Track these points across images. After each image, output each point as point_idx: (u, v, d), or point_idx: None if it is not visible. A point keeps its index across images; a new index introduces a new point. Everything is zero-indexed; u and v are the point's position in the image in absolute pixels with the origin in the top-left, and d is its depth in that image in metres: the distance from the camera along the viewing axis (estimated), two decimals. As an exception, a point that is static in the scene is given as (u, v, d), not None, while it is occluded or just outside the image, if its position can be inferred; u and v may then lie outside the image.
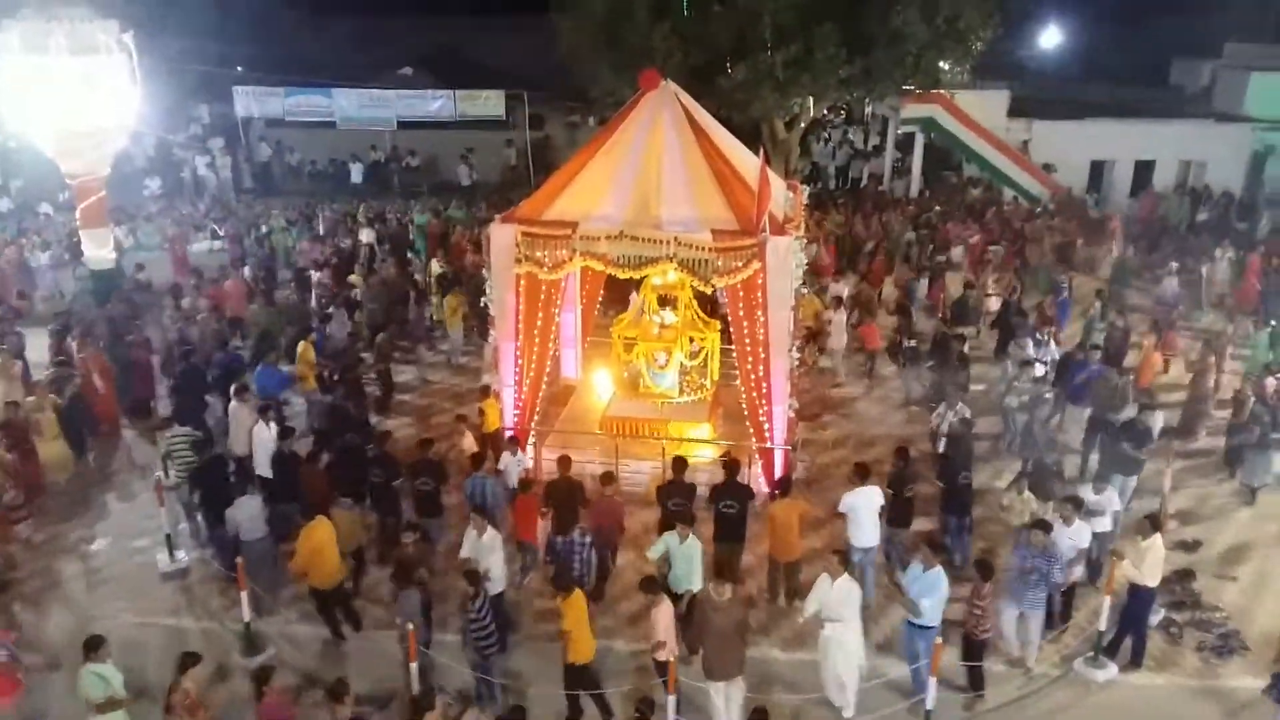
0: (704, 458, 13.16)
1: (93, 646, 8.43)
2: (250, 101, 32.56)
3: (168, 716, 8.15)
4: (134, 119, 19.92)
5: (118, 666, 8.63)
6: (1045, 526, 9.84)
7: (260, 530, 11.01)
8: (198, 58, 31.44)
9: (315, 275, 20.15)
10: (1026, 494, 11.20)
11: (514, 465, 12.14)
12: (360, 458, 12.20)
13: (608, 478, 11.49)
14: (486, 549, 10.07)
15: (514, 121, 33.27)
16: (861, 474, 11.07)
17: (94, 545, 12.48)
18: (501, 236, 12.51)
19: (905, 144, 31.11)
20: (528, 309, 12.82)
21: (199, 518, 12.25)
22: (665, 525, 10.82)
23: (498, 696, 9.51)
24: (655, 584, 9.32)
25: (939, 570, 9.20)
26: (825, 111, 28.43)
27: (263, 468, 12.26)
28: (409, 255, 22.72)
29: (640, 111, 13.17)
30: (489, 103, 32.50)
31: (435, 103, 32.48)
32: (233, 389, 13.50)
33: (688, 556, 10.16)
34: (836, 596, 9.14)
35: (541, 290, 12.76)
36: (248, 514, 10.92)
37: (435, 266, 20.69)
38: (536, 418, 13.59)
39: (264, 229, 24.81)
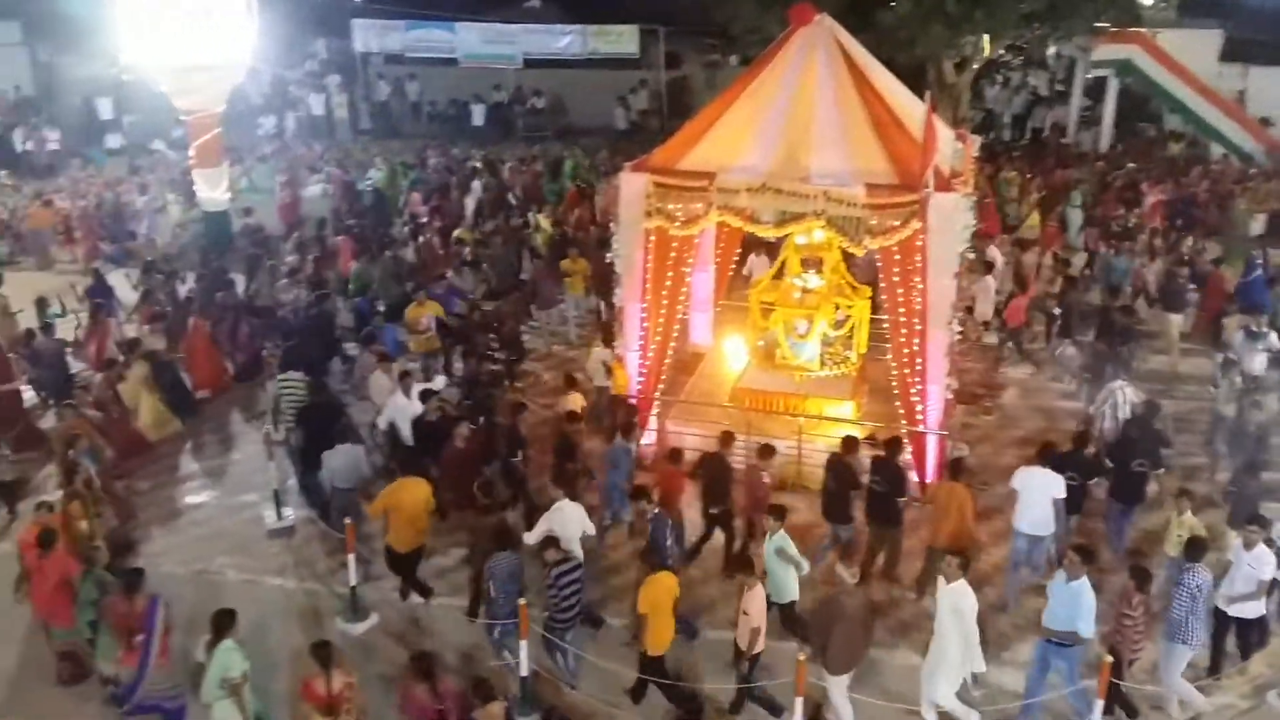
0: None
1: (224, 624, 8.63)
2: (369, 36, 33.39)
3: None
4: (250, 53, 20.77)
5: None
6: (1200, 545, 9.29)
7: (353, 481, 11.58)
8: (315, -13, 32.55)
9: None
10: (1187, 516, 10.28)
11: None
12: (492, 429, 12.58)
13: (766, 450, 11.37)
14: (567, 518, 10.25)
15: (648, 60, 33.19)
16: (1043, 454, 10.82)
17: (200, 499, 13.25)
18: (632, 187, 12.56)
19: (1095, 90, 29.77)
20: (656, 267, 12.88)
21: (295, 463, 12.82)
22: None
23: (572, 669, 9.88)
24: (752, 564, 9.37)
25: (1084, 582, 8.82)
26: (1001, 51, 27.42)
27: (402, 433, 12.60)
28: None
29: (790, 50, 13.00)
30: (622, 39, 32.51)
31: (564, 39, 32.64)
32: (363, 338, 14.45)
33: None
34: (945, 603, 8.96)
35: (672, 247, 12.80)
36: (344, 462, 11.44)
37: (544, 223, 20.84)
38: (662, 386, 13.70)
39: (370, 176, 25.46)
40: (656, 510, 10.35)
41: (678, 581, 9.43)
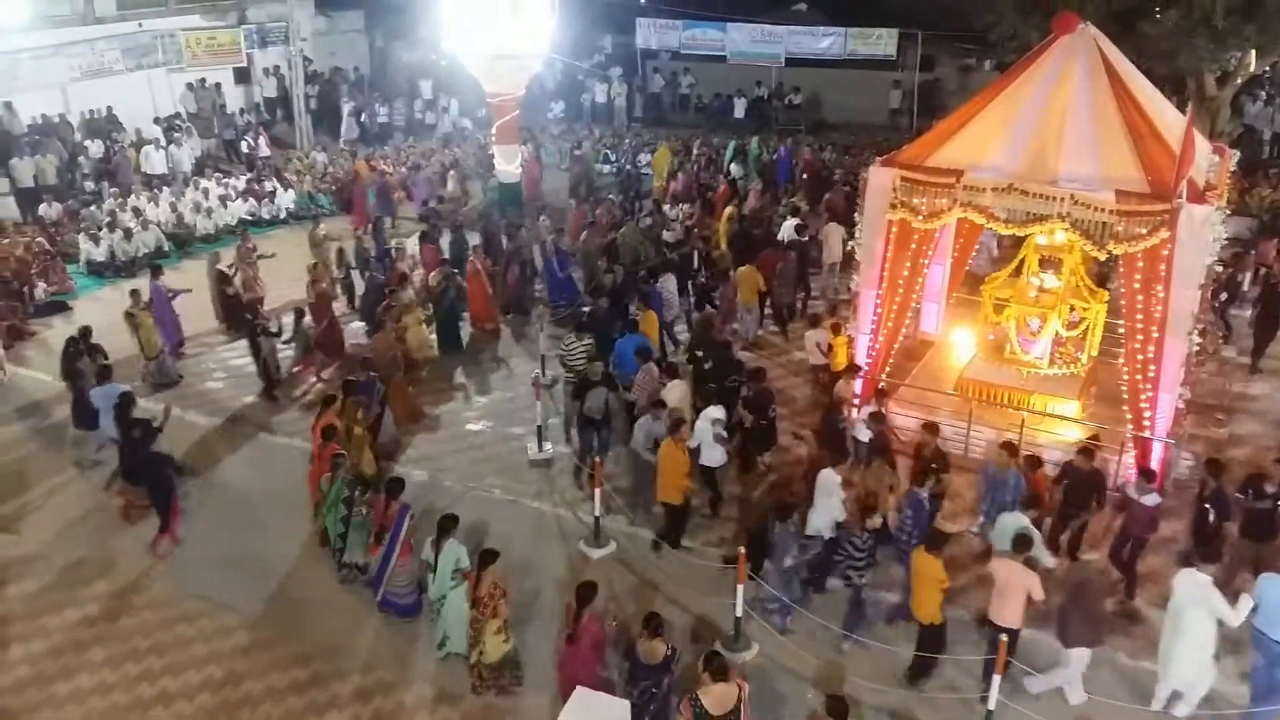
0: (1065, 437, 12.25)
1: (449, 526, 9.23)
2: (650, 33, 34.07)
3: (476, 608, 8.82)
4: (549, 46, 21.61)
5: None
6: None
7: (650, 447, 11.29)
8: (608, -12, 33.37)
9: (676, 210, 20.60)
10: None
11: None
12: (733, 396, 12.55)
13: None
14: (821, 489, 10.11)
15: (903, 62, 32.15)
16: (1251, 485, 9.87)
17: (475, 426, 14.06)
18: (879, 180, 12.24)
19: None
20: (895, 257, 12.52)
21: (573, 427, 12.91)
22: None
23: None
24: (1029, 542, 8.95)
25: None
26: (1267, 68, 24.64)
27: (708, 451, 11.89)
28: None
29: (1049, 57, 12.21)
30: (881, 41, 31.57)
31: (825, 40, 32.10)
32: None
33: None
34: (1181, 591, 8.43)
35: (913, 239, 12.40)
36: (643, 432, 11.32)
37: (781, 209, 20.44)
38: (888, 370, 13.35)
39: (642, 160, 25.84)
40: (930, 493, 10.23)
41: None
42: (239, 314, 16.40)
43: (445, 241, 18.81)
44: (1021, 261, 13.50)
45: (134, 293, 15.11)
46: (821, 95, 32.81)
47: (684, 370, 13.57)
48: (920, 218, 11.96)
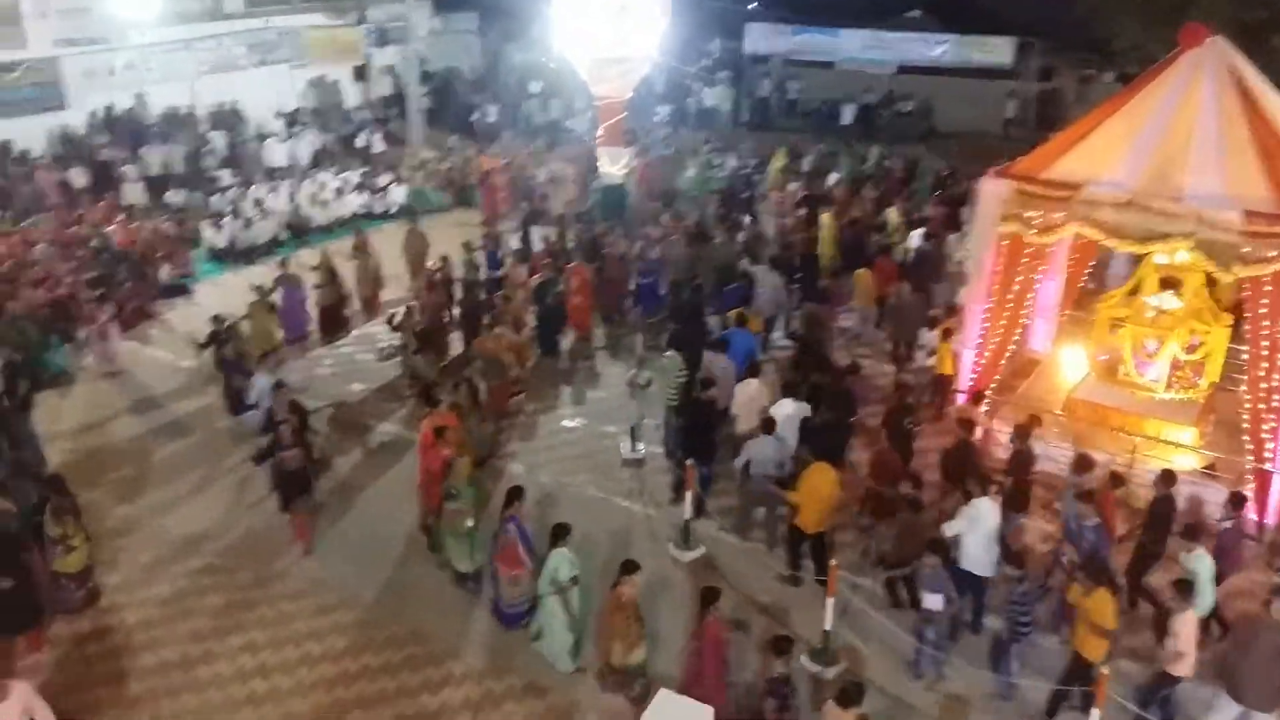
0: (1181, 465, 11.76)
1: (561, 533, 9.25)
2: (759, 38, 33.95)
3: (605, 615, 8.90)
4: (657, 49, 21.69)
5: (578, 531, 9.82)
6: None
7: (769, 469, 11.04)
8: (720, -7, 33.45)
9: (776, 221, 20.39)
10: None
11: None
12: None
13: (1116, 479, 10.42)
14: (982, 526, 9.58)
15: (1019, 71, 31.33)
16: None
17: (571, 423, 14.22)
18: (992, 191, 11.97)
19: None
20: (1006, 271, 12.25)
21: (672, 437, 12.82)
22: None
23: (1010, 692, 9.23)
24: (1190, 588, 8.54)
25: None
26: None
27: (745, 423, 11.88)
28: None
29: (1176, 69, 11.79)
30: (997, 50, 30.92)
31: (939, 48, 31.58)
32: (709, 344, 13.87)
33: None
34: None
35: (1025, 253, 12.09)
36: (764, 452, 10.99)
37: (894, 216, 19.95)
38: (994, 386, 13.02)
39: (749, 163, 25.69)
40: (1097, 521, 9.56)
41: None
42: (336, 318, 16.78)
43: (535, 239, 19.04)
44: (1139, 280, 13.03)
45: (258, 288, 15.35)
46: (933, 103, 32.20)
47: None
48: (1034, 231, 11.66)
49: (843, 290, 17.40)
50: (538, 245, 19.25)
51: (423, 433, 11.09)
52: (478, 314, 15.94)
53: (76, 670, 9.48)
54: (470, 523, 10.15)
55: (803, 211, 20.32)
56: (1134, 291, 13.13)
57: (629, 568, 8.86)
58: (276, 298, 15.79)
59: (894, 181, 23.36)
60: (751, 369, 12.82)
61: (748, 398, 12.09)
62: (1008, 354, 13.09)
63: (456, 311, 16.44)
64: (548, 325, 16.05)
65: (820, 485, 10.24)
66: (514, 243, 19.10)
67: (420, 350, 14.03)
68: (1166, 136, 11.31)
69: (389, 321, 14.89)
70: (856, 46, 32.58)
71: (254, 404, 12.65)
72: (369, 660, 9.63)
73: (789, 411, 11.59)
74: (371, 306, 17.54)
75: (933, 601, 9.10)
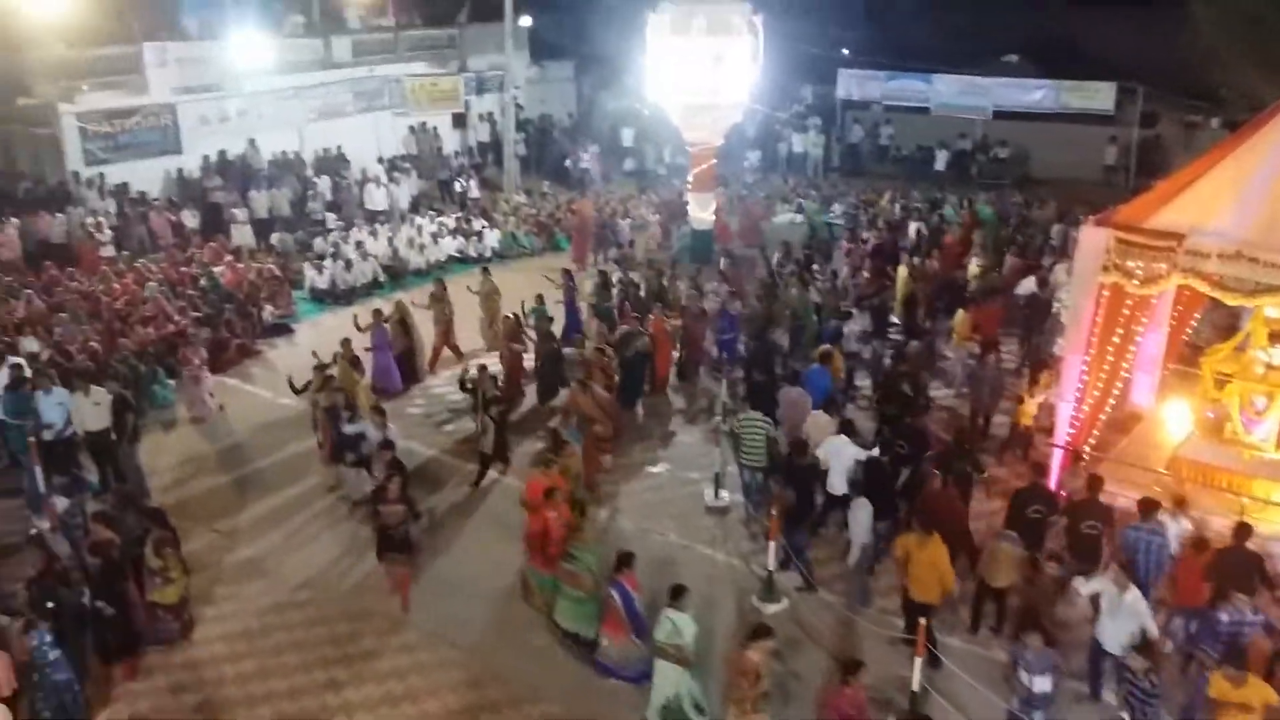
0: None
1: (676, 595, 8.97)
2: (851, 84, 33.88)
3: (731, 681, 8.59)
4: (749, 96, 21.80)
5: (660, 578, 9.69)
6: None
7: (866, 536, 10.95)
8: (810, 40, 33.41)
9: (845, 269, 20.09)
10: None
11: (1174, 525, 10.30)
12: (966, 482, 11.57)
13: (1243, 530, 9.82)
14: (1128, 611, 9.04)
15: (1121, 117, 30.53)
16: None
17: (654, 468, 14.15)
18: (1092, 240, 11.61)
19: None
20: (1106, 322, 11.83)
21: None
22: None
23: None
24: None
25: None
26: None
27: (837, 479, 11.67)
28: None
29: (1289, 116, 11.32)
30: (1097, 95, 30.15)
31: (1037, 93, 30.99)
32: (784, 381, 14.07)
33: None
34: None
35: (1126, 304, 11.69)
36: (866, 516, 10.88)
37: (973, 268, 19.43)
38: (1092, 441, 12.55)
39: (834, 210, 25.39)
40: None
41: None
42: (409, 367, 16.80)
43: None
44: (1248, 334, 12.46)
45: (345, 341, 15.07)
46: (1030, 149, 31.60)
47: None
48: (1136, 282, 11.26)
49: (942, 332, 17.14)
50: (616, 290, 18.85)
51: (530, 490, 10.88)
52: (555, 367, 15.81)
53: (166, 700, 9.71)
54: (589, 588, 9.96)
55: (873, 262, 19.97)
56: (1242, 345, 12.56)
57: (760, 632, 8.48)
58: (370, 340, 16.01)
59: (966, 229, 22.83)
60: (826, 406, 12.79)
61: (818, 429, 12.10)
62: (1107, 408, 12.62)
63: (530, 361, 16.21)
64: (629, 378, 15.53)
65: (936, 558, 9.73)
66: (589, 288, 18.79)
67: (489, 409, 13.46)
68: (1276, 185, 10.84)
69: (461, 384, 14.15)
70: (951, 92, 32.23)
71: (358, 458, 12.65)
72: (449, 700, 9.66)
73: (838, 446, 11.55)
74: (440, 356, 17.53)
75: (1042, 685, 8.52)
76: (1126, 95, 29.96)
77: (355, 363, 14.87)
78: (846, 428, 12.02)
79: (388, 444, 12.09)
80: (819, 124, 33.55)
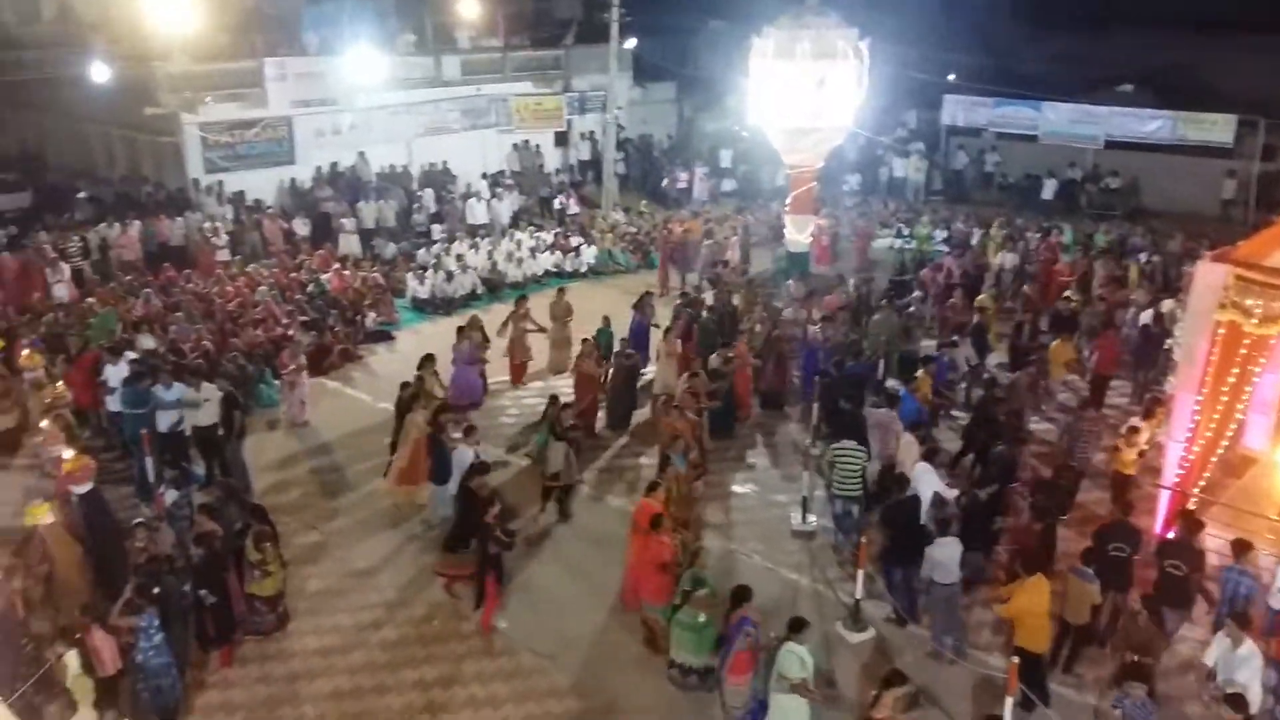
0: None
1: (796, 627, 8.71)
2: (957, 110, 33.34)
3: None
4: (853, 120, 21.60)
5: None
6: None
7: (953, 576, 10.30)
8: (916, 65, 32.96)
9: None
10: None
11: None
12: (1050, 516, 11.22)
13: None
14: (1240, 663, 8.63)
15: (1240, 150, 29.34)
16: None
17: (740, 489, 14.05)
18: (1209, 276, 11.18)
19: None
20: (1221, 361, 11.35)
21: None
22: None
23: None
24: None
25: None
26: None
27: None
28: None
29: None
30: (1216, 127, 29.05)
31: (1152, 123, 30.01)
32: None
33: None
34: None
35: (1243, 343, 11.19)
36: (947, 556, 10.24)
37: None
38: (1202, 484, 12.01)
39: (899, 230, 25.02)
40: None
41: None
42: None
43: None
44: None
45: (428, 358, 14.82)
46: (1142, 180, 30.59)
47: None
48: (1254, 321, 10.78)
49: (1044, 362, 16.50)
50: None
51: (639, 514, 10.71)
52: (628, 392, 15.73)
53: (258, 690, 10.01)
54: (704, 617, 9.64)
55: (964, 290, 19.39)
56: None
57: (894, 680, 8.13)
58: (455, 354, 16.00)
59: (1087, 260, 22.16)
60: (912, 428, 12.65)
61: (909, 453, 12.02)
62: (1219, 450, 12.08)
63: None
64: (719, 411, 15.03)
65: (1034, 602, 9.37)
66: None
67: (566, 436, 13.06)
68: None
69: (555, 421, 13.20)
70: (1062, 120, 31.45)
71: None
72: (531, 708, 9.73)
73: (920, 474, 11.40)
74: (519, 374, 17.50)
75: None
76: (1247, 128, 28.82)
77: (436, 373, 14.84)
78: (930, 455, 11.87)
79: (482, 466, 11.92)
80: (922, 149, 33.12)
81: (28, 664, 9.34)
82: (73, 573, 10.56)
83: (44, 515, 10.41)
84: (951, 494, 11.37)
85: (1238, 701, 7.97)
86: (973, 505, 11.27)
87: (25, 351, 14.94)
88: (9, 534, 11.42)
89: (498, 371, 17.34)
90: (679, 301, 18.81)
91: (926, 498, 11.22)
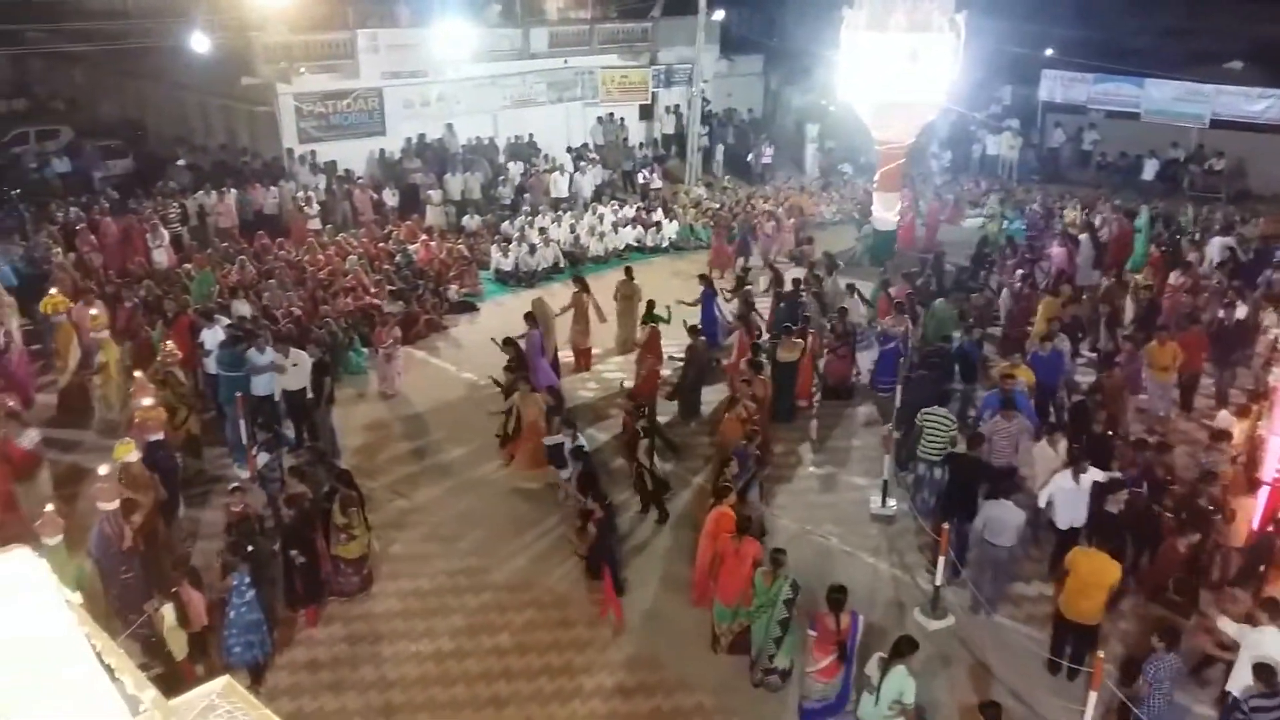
0: None
1: (908, 649, 8.30)
2: (1055, 86, 32.29)
3: None
4: (946, 95, 21.06)
5: (820, 585, 9.50)
6: None
7: (1011, 539, 10.36)
8: (1012, 39, 31.87)
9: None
10: None
11: None
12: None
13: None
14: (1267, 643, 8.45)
15: (1360, 133, 27.86)
16: None
17: (817, 470, 13.94)
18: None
19: None
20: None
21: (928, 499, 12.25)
22: None
23: None
24: None
25: None
26: None
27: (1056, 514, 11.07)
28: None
29: None
30: (1332, 107, 27.64)
31: (1261, 103, 28.61)
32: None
33: None
34: None
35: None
36: (1001, 517, 10.28)
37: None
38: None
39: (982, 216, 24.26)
40: None
41: None
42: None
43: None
44: None
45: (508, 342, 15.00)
46: (1248, 162, 29.19)
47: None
48: (1371, 312, 10.23)
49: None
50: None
51: (715, 524, 10.31)
52: (698, 382, 15.35)
53: (341, 649, 10.33)
54: (785, 615, 9.46)
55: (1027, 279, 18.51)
56: None
57: (990, 712, 7.75)
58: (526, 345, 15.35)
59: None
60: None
61: (1045, 461, 11.56)
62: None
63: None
64: (779, 391, 14.64)
65: (1082, 571, 9.35)
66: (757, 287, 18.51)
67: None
68: None
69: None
70: (1165, 98, 30.16)
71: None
72: (603, 678, 9.84)
73: (1067, 484, 10.85)
74: (584, 360, 17.20)
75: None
76: (1367, 108, 27.34)
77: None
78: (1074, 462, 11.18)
79: (582, 452, 11.98)
80: (1016, 126, 32.16)
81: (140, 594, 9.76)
82: (152, 513, 10.93)
83: (128, 453, 10.79)
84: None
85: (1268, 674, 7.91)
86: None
87: (93, 311, 14.88)
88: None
89: (567, 354, 17.15)
90: (750, 288, 18.04)
91: (1063, 509, 10.85)
